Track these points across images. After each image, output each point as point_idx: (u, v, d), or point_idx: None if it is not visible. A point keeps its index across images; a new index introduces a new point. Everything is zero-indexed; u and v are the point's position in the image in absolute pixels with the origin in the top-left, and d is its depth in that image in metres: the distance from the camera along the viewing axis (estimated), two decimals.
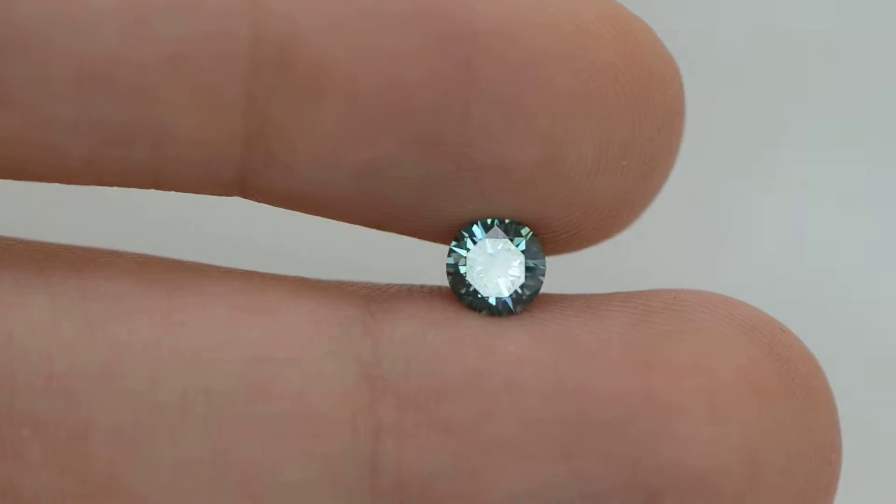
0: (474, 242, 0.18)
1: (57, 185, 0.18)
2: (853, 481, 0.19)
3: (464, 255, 0.18)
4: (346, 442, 0.18)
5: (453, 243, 0.19)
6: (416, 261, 0.20)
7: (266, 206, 0.19)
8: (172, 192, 0.18)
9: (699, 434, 0.18)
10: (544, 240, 0.19)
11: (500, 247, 0.18)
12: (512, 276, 0.18)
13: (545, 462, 0.18)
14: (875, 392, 0.25)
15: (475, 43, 0.17)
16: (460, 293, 0.18)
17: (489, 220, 0.18)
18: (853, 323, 0.26)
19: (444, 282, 0.19)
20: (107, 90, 0.17)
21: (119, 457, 0.17)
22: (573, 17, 0.18)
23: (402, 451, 0.18)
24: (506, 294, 0.18)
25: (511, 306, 0.18)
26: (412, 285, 0.19)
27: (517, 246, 0.18)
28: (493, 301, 0.18)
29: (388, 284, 0.19)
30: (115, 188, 0.18)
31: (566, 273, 0.19)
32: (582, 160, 0.18)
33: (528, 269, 0.19)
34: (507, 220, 0.18)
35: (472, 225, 0.18)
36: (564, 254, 0.19)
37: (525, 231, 0.18)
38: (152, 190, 0.18)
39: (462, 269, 0.18)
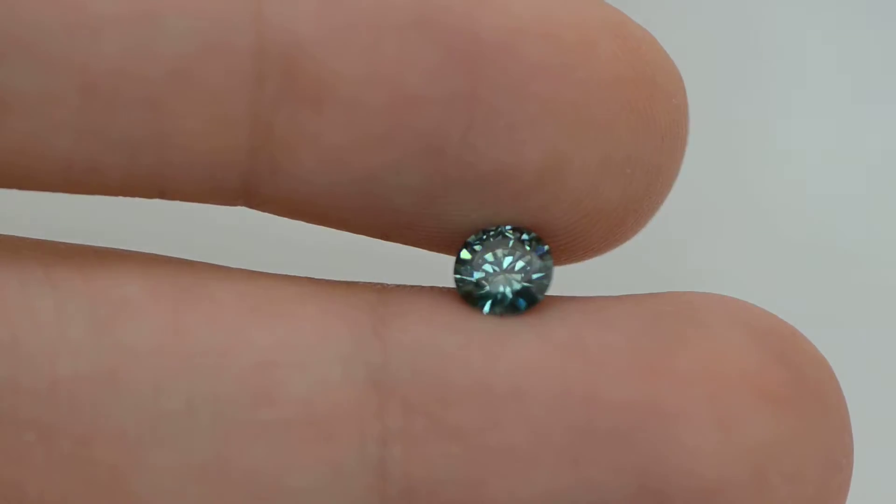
0: (482, 246, 0.18)
1: (61, 195, 0.18)
2: (864, 485, 0.19)
3: (471, 257, 0.18)
4: (354, 448, 0.18)
5: (460, 250, 0.19)
6: (423, 268, 0.20)
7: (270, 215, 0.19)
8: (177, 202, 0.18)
9: (707, 443, 0.18)
10: (550, 249, 0.19)
11: (507, 248, 0.18)
12: (520, 274, 0.18)
13: (552, 470, 0.18)
14: (887, 393, 0.25)
15: (479, 54, 0.18)
16: (468, 295, 0.18)
17: (495, 227, 0.18)
18: (860, 328, 0.26)
19: (452, 285, 0.19)
20: (110, 100, 0.17)
21: (124, 462, 0.17)
22: (576, 28, 0.18)
23: (410, 458, 0.18)
24: (514, 293, 0.18)
25: (520, 306, 0.18)
26: (421, 286, 0.19)
27: (524, 246, 0.18)
28: (501, 300, 0.18)
29: (396, 285, 0.19)
30: (119, 197, 0.18)
31: (575, 274, 0.19)
32: (585, 170, 0.18)
33: (536, 267, 0.18)
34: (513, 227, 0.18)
35: (478, 231, 0.18)
36: (571, 263, 0.19)
37: (532, 234, 0.18)
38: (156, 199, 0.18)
39: (470, 271, 0.18)
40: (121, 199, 0.18)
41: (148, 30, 0.17)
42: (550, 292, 0.19)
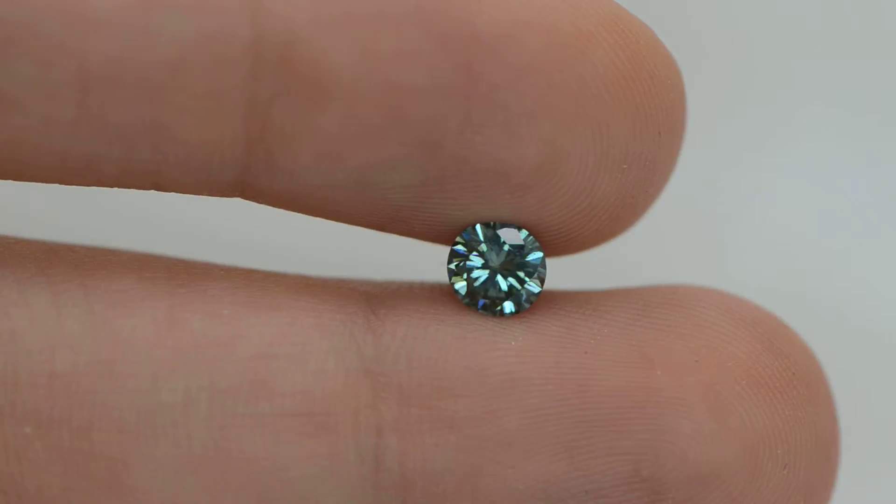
0: (475, 244, 0.18)
1: (57, 185, 0.18)
2: (852, 475, 0.19)
3: (464, 257, 0.18)
4: (349, 439, 0.18)
5: (454, 246, 0.19)
6: (419, 259, 0.20)
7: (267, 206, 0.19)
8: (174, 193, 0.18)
9: (701, 429, 0.18)
10: (545, 242, 0.19)
11: (500, 249, 0.18)
12: (513, 279, 0.18)
13: (547, 458, 0.18)
14: (872, 387, 0.25)
15: (476, 46, 0.17)
16: (462, 295, 0.18)
17: (490, 223, 0.18)
18: (851, 318, 0.26)
19: (446, 279, 0.19)
20: (107, 91, 0.17)
21: (122, 455, 0.17)
22: (574, 21, 0.18)
23: (405, 448, 0.18)
24: (507, 297, 0.18)
25: (512, 309, 0.18)
26: (414, 282, 0.19)
27: (518, 248, 0.18)
28: (492, 305, 0.18)
29: (389, 281, 0.19)
30: (115, 189, 0.18)
31: (566, 269, 0.19)
32: (582, 164, 0.18)
33: (529, 271, 0.19)
34: (507, 223, 0.18)
35: (473, 227, 0.18)
36: (566, 255, 0.19)
37: (525, 233, 0.18)
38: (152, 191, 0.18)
39: (463, 272, 0.18)
40: (115, 195, 0.18)
41: (145, 22, 0.17)
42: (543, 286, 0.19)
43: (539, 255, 0.19)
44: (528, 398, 0.18)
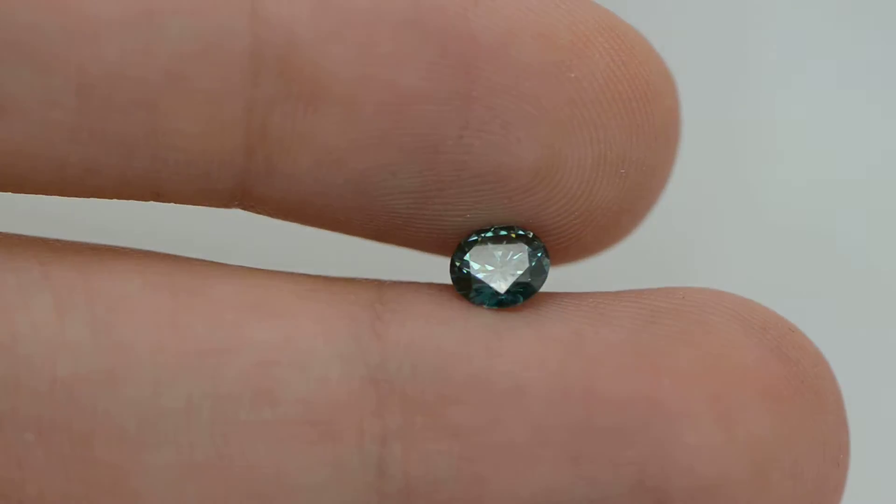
0: (478, 241, 0.18)
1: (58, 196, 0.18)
2: (859, 481, 0.19)
3: (467, 252, 0.18)
4: (353, 446, 0.18)
5: (455, 254, 0.19)
6: (421, 262, 0.20)
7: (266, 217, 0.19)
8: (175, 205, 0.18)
9: (707, 440, 0.18)
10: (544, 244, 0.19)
11: (502, 244, 0.18)
12: (515, 267, 0.18)
13: (552, 467, 0.18)
14: (882, 388, 0.25)
15: (474, 51, 0.18)
16: (465, 289, 0.18)
17: (491, 228, 0.18)
18: (858, 316, 0.26)
19: (449, 280, 0.19)
20: (107, 101, 0.17)
21: (124, 461, 0.17)
22: (571, 28, 0.18)
23: (409, 456, 0.18)
24: (510, 283, 0.18)
25: (516, 298, 0.18)
26: (419, 282, 0.19)
27: (519, 240, 0.18)
28: (497, 293, 0.18)
29: (394, 281, 0.19)
30: (117, 201, 0.18)
31: (573, 269, 0.19)
32: (580, 167, 0.18)
33: (531, 259, 0.18)
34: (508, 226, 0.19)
35: (475, 233, 0.18)
36: (567, 263, 0.19)
37: (522, 232, 0.19)
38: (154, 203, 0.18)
39: (466, 265, 0.18)
40: (117, 206, 0.18)
41: (144, 32, 0.17)
42: (548, 289, 0.19)
43: (540, 242, 0.19)
44: (533, 406, 0.18)
